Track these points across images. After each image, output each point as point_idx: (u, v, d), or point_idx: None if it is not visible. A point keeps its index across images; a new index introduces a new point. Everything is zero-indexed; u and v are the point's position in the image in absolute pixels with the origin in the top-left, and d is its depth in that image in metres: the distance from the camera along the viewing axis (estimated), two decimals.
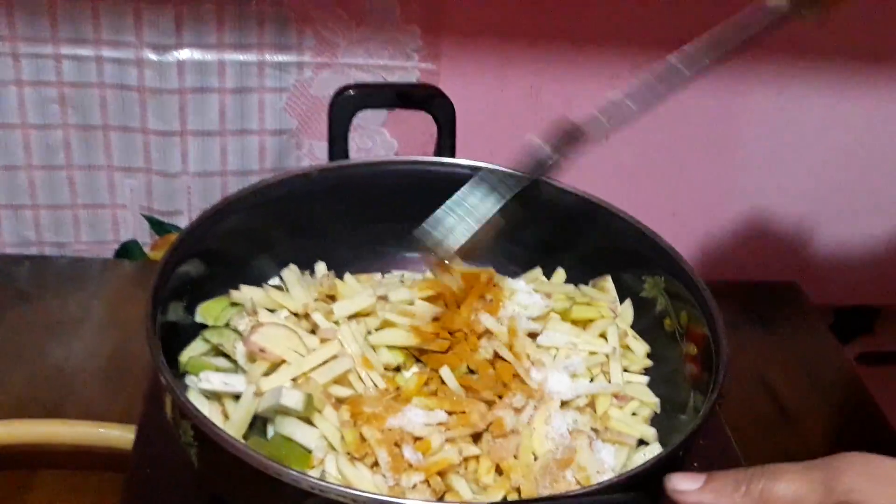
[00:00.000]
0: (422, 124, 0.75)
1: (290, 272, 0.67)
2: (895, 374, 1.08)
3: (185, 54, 0.84)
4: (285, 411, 0.55)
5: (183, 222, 0.92)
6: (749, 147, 0.96)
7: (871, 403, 0.86)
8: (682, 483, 0.46)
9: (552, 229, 0.71)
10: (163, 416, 0.55)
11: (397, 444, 0.54)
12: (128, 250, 0.95)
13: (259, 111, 0.88)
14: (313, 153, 0.91)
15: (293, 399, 0.54)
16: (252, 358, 0.58)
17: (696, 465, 0.61)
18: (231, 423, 0.56)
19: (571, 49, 0.89)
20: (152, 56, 0.83)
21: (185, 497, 0.61)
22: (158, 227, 0.93)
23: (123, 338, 0.83)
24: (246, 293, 0.64)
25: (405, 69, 0.88)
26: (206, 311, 0.64)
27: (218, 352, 0.61)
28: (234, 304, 0.64)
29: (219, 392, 0.57)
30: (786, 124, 0.95)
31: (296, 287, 0.65)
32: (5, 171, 0.88)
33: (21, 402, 0.75)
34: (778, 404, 0.85)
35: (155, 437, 0.64)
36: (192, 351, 0.62)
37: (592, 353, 0.63)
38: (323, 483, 0.46)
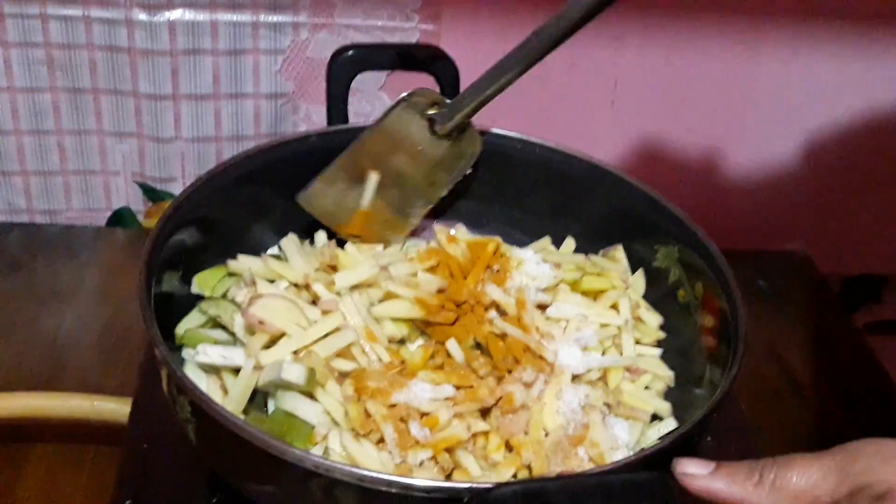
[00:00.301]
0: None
1: (290, 241, 0.65)
2: None
3: (176, 14, 0.81)
4: (286, 386, 0.53)
5: (177, 189, 0.91)
6: (759, 113, 0.94)
7: (880, 372, 0.85)
8: (691, 467, 0.45)
9: (561, 197, 0.69)
10: (159, 389, 0.53)
11: (403, 420, 0.52)
12: (120, 218, 0.93)
13: (254, 74, 0.86)
14: (310, 118, 0.89)
15: (295, 373, 0.53)
16: (251, 330, 0.56)
17: (709, 438, 0.60)
18: (230, 398, 0.54)
19: None
20: (143, 16, 0.81)
21: (183, 473, 0.60)
22: (152, 193, 0.91)
23: (117, 308, 0.82)
24: (244, 263, 0.62)
25: (404, 30, 0.86)
26: (203, 282, 0.62)
27: (215, 324, 0.60)
28: (231, 275, 0.63)
29: (217, 366, 0.56)
30: (797, 88, 0.93)
31: (295, 257, 0.63)
32: None
33: (13, 374, 0.74)
34: (787, 373, 0.84)
35: (151, 411, 0.63)
36: (189, 323, 0.60)
37: (604, 326, 0.62)
38: (327, 462, 0.45)
